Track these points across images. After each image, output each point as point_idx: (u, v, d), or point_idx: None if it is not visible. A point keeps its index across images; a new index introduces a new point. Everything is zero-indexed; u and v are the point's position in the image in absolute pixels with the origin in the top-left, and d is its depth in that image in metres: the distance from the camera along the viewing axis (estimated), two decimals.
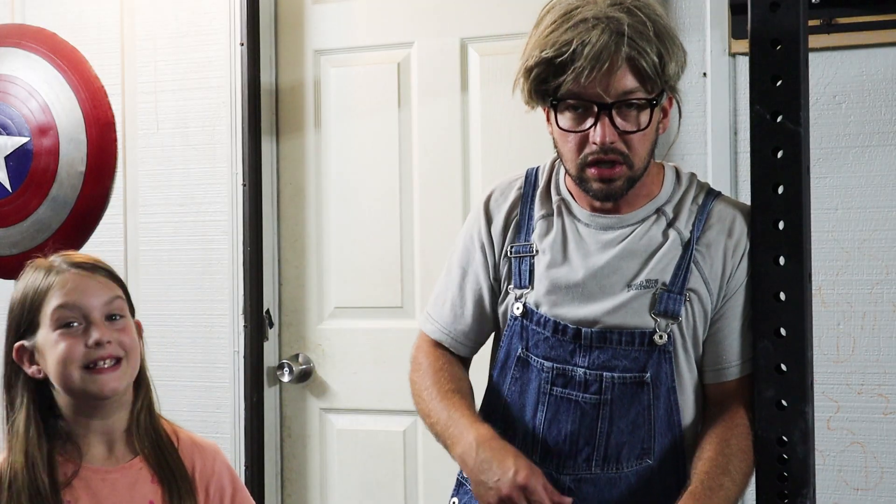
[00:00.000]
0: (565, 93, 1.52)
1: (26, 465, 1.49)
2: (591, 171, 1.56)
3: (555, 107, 1.55)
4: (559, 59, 1.50)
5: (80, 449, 1.54)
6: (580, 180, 1.58)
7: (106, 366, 1.51)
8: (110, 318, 1.54)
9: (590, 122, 1.53)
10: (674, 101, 1.63)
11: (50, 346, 1.51)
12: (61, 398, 1.54)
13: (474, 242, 1.74)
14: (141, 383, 1.60)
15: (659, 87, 1.53)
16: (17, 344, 1.54)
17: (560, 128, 1.56)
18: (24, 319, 1.54)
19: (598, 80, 1.49)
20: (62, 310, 1.51)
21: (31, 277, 1.55)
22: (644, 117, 1.53)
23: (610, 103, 1.51)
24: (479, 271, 1.73)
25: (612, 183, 1.56)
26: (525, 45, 1.57)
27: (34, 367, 1.54)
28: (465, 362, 1.80)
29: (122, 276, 1.61)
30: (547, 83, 1.54)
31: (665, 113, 1.61)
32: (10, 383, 1.56)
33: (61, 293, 1.51)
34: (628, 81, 1.50)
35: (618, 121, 1.52)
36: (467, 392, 1.70)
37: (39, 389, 1.54)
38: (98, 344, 1.50)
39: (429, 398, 1.69)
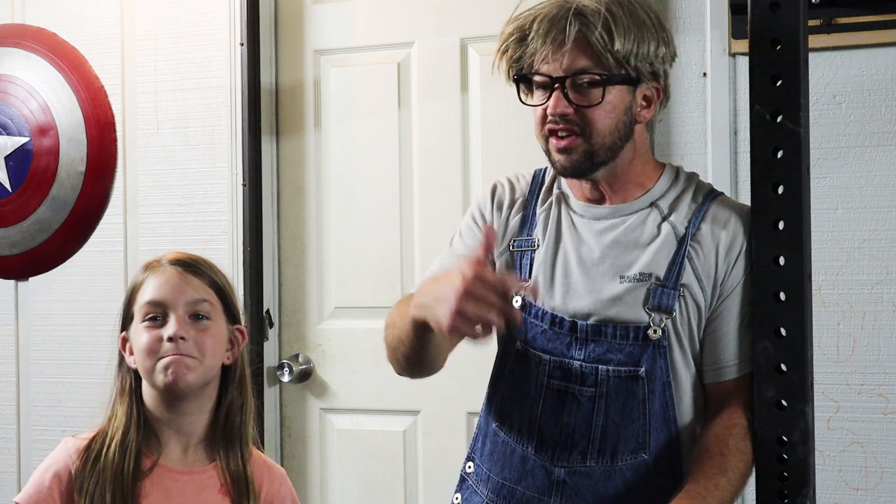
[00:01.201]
0: (526, 68, 1.61)
1: (120, 449, 1.55)
2: (551, 142, 1.61)
3: (524, 83, 1.64)
4: (518, 35, 1.60)
5: (161, 445, 1.59)
6: (547, 154, 1.64)
7: (180, 360, 1.54)
8: (195, 317, 1.58)
9: (546, 94, 1.60)
10: (661, 92, 1.64)
11: (136, 336, 1.58)
12: (146, 391, 1.60)
13: (478, 222, 1.75)
14: (231, 387, 1.63)
15: (615, 66, 1.57)
16: (122, 334, 1.62)
17: (526, 104, 1.65)
18: (125, 311, 1.62)
19: (551, 56, 1.57)
20: (149, 305, 1.57)
21: (138, 271, 1.64)
22: (596, 93, 1.57)
23: (562, 77, 1.57)
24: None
25: (570, 154, 1.60)
26: None
27: (132, 358, 1.60)
28: (453, 341, 1.70)
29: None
30: (519, 62, 1.63)
31: (648, 102, 1.63)
32: (119, 369, 1.63)
33: (152, 289, 1.58)
34: (579, 58, 1.56)
35: (572, 94, 1.58)
36: None
37: (139, 381, 1.61)
38: (172, 339, 1.54)
39: (396, 313, 1.70)
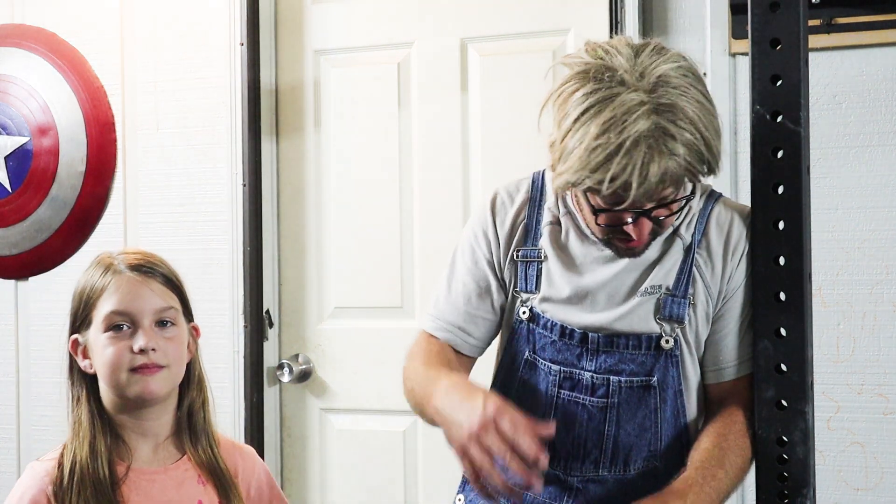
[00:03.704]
0: (606, 201, 1.48)
1: (91, 456, 1.52)
2: (618, 240, 1.55)
3: (594, 208, 1.52)
4: (598, 183, 1.42)
5: (130, 449, 1.57)
6: (606, 242, 1.58)
7: (149, 370, 1.53)
8: (161, 324, 1.56)
9: (626, 217, 1.50)
10: None
11: (99, 348, 1.55)
12: (107, 396, 1.57)
13: (479, 240, 1.72)
14: (190, 385, 1.62)
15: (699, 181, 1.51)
16: (72, 337, 1.59)
17: (594, 213, 1.52)
18: (80, 314, 1.58)
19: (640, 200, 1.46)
20: (113, 315, 1.54)
21: (91, 273, 1.59)
22: (676, 207, 1.52)
23: (649, 209, 1.49)
24: (485, 267, 1.72)
25: (636, 249, 1.57)
26: (556, 131, 1.46)
27: (86, 362, 1.58)
28: (467, 363, 1.78)
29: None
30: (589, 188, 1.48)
31: None
32: (70, 374, 1.60)
33: (115, 297, 1.54)
34: (669, 191, 1.47)
35: (652, 215, 1.51)
36: (456, 371, 1.67)
37: (94, 384, 1.58)
38: (143, 351, 1.52)
39: (415, 375, 1.66)
